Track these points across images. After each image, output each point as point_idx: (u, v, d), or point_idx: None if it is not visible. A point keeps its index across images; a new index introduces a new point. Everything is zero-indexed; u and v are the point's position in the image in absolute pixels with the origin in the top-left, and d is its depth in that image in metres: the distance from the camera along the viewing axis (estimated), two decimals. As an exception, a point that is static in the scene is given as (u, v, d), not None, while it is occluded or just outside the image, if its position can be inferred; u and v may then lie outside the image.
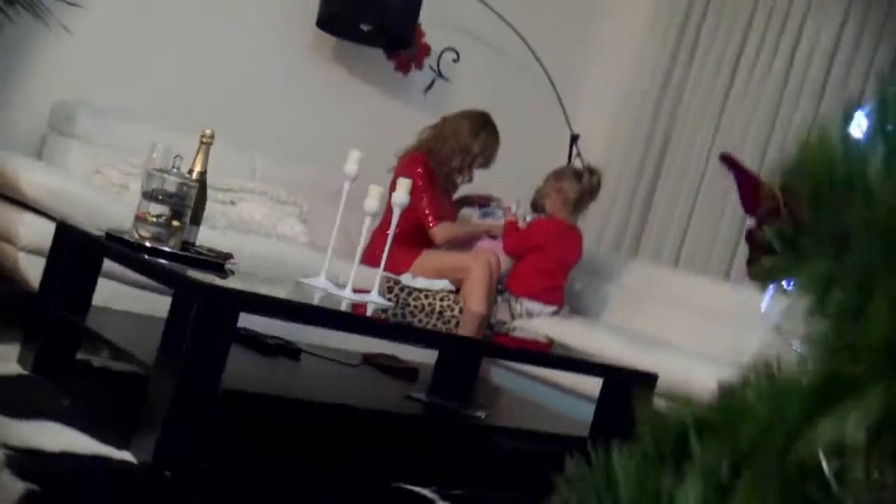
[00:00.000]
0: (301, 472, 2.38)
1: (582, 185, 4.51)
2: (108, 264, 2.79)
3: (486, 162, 4.47)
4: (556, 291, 4.42)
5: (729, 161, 0.86)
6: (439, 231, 4.28)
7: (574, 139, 5.42)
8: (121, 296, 3.14)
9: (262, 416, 2.63)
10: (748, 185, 0.78)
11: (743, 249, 4.94)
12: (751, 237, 0.78)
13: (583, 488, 0.53)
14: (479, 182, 4.63)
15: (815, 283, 0.43)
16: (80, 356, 2.77)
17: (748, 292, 4.16)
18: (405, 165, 4.26)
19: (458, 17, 5.22)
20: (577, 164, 5.20)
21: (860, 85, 4.73)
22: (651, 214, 5.49)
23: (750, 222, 0.80)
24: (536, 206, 4.61)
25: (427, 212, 4.25)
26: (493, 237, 4.49)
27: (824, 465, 0.46)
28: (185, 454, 2.12)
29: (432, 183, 4.33)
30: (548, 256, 4.39)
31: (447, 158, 4.37)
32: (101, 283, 2.81)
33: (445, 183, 4.46)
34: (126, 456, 2.12)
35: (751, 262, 0.79)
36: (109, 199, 3.36)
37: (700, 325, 4.19)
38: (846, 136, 0.41)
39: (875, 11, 4.78)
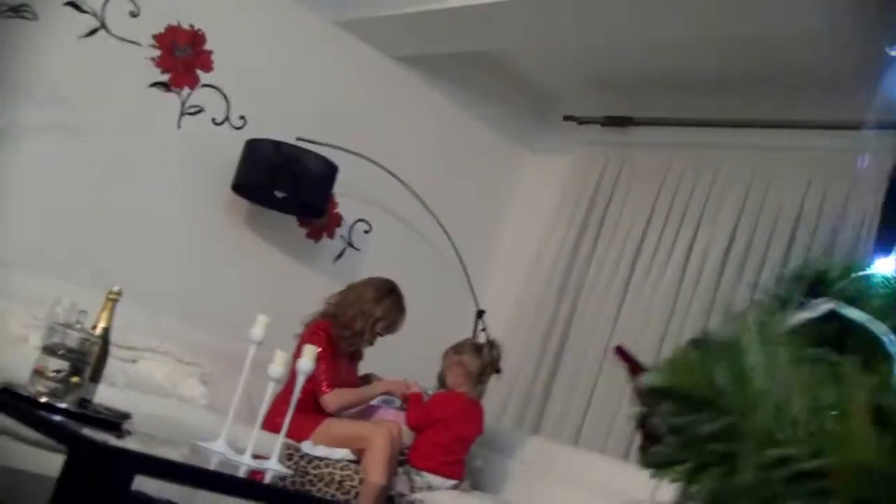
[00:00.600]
0: None
1: (482, 359, 4.55)
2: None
3: (389, 327, 4.48)
4: (457, 465, 4.39)
5: (621, 353, 0.90)
6: (331, 398, 4.23)
7: (479, 314, 5.49)
8: (11, 452, 3.02)
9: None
10: (639, 377, 0.82)
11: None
12: (642, 425, 0.82)
13: None
14: (385, 354, 4.64)
15: (681, 477, 0.48)
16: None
17: (644, 474, 4.20)
18: (308, 333, 4.26)
19: (371, 190, 5.34)
20: (480, 338, 5.26)
21: (753, 280, 4.93)
22: (553, 392, 5.54)
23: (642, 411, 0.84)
24: (440, 380, 4.64)
25: (322, 378, 4.22)
26: (391, 401, 4.46)
27: None
28: None
29: (333, 351, 4.32)
30: (449, 430, 4.38)
31: (350, 322, 4.38)
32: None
33: (350, 348, 4.45)
34: None
35: (643, 448, 0.82)
36: (5, 351, 3.28)
37: (597, 503, 4.18)
38: (704, 355, 0.46)
39: (765, 215, 5.05)
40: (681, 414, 0.45)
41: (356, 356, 4.56)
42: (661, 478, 0.53)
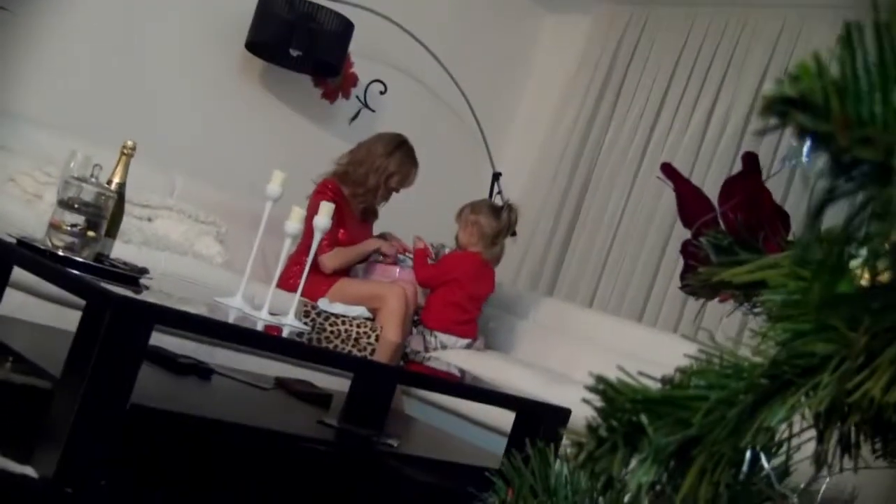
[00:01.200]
0: (207, 494, 2.33)
1: (500, 221, 4.53)
2: (17, 274, 2.70)
3: (403, 181, 4.43)
4: (470, 324, 4.42)
5: (669, 171, 0.87)
6: (327, 258, 4.22)
7: (496, 177, 5.46)
8: (30, 308, 3.05)
9: (170, 434, 2.57)
10: (687, 197, 0.79)
11: (656, 294, 5.02)
12: (685, 249, 0.79)
13: (520, 484, 0.52)
14: (401, 214, 4.63)
15: (769, 277, 0.43)
16: (-20, 367, 2.67)
17: (658, 336, 4.25)
18: (316, 192, 4.24)
19: (388, 50, 5.24)
20: (496, 200, 5.25)
21: (774, 144, 4.86)
22: (568, 255, 5.55)
23: (686, 235, 0.81)
24: (457, 241, 4.62)
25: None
26: (386, 256, 4.45)
27: (763, 461, 0.47)
28: (88, 470, 2.05)
29: (340, 210, 4.29)
30: (461, 289, 4.39)
31: (362, 179, 4.34)
32: (10, 293, 2.72)
33: (362, 205, 4.43)
34: (27, 470, 2.04)
35: (684, 274, 0.80)
36: (21, 207, 3.27)
37: (611, 364, 4.22)
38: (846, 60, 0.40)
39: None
40: (817, 128, 0.38)
41: (370, 215, 4.54)
42: (703, 298, 0.49)
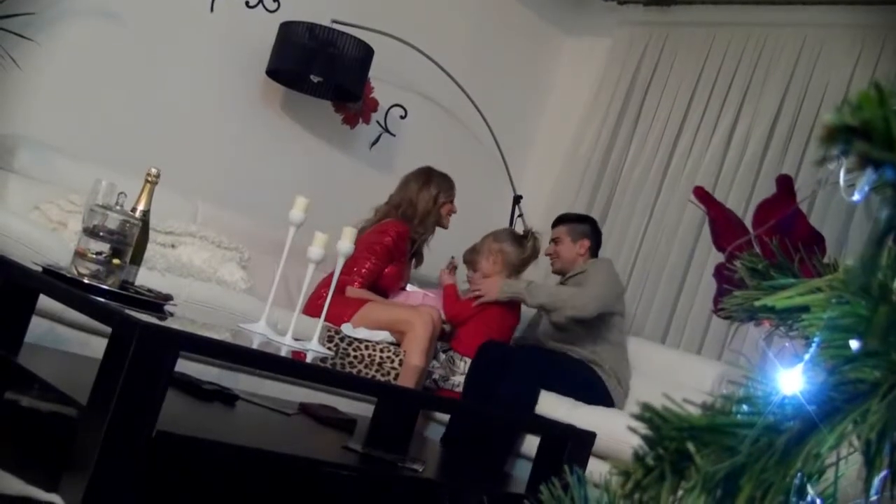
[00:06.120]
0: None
1: (524, 249, 4.53)
2: (44, 302, 2.72)
3: (449, 195, 4.53)
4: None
5: (702, 195, 0.86)
6: (351, 292, 4.24)
7: (517, 200, 5.46)
8: (55, 335, 3.06)
9: (196, 461, 2.56)
10: (720, 220, 0.79)
11: (679, 315, 4.99)
12: (719, 272, 0.79)
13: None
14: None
15: (819, 304, 0.43)
16: (7, 396, 2.68)
17: (682, 357, 4.23)
18: (378, 231, 4.30)
19: (407, 75, 5.27)
20: (518, 224, 5.25)
21: (795, 166, 4.83)
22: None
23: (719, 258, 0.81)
24: (473, 266, 4.61)
25: (361, 272, 4.24)
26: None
27: (809, 488, 0.46)
28: (115, 497, 2.05)
29: (398, 253, 4.32)
30: (490, 317, 4.38)
31: (413, 212, 4.40)
32: (36, 321, 2.74)
33: (423, 237, 4.48)
34: (54, 498, 2.05)
35: (718, 297, 0.79)
36: (47, 235, 3.29)
37: (636, 386, 4.21)
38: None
39: (811, 93, 4.92)
40: (880, 157, 0.38)
41: (419, 257, 4.59)
42: (738, 322, 0.49)
